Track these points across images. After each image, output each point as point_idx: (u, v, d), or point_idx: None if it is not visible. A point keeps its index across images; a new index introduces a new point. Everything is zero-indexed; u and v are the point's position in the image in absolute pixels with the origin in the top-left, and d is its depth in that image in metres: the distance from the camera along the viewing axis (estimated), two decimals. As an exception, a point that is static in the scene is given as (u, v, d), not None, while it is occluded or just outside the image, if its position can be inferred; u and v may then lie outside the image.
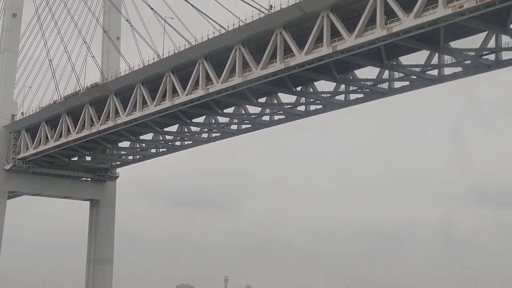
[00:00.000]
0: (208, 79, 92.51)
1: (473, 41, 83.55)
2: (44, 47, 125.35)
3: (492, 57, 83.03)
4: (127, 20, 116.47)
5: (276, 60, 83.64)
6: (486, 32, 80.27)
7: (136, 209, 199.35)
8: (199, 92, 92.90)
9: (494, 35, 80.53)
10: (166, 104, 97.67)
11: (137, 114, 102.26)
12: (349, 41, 76.31)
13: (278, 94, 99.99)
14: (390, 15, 73.54)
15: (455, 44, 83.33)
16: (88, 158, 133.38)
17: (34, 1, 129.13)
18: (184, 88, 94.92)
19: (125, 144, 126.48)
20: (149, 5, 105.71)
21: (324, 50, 78.66)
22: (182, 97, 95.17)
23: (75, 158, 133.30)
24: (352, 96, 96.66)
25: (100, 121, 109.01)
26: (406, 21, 71.20)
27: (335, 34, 78.71)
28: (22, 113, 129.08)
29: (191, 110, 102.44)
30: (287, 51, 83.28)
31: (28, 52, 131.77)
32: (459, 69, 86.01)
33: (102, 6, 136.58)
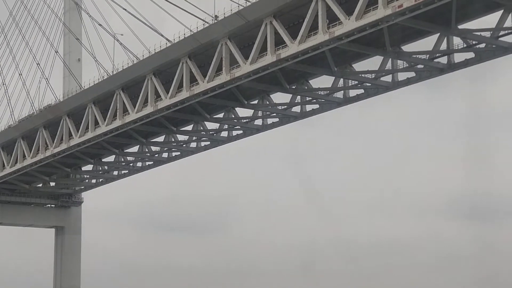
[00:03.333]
0: (157, 95, 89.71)
1: (426, 44, 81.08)
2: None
3: (444, 60, 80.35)
4: (77, 39, 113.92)
5: (222, 72, 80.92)
6: (438, 35, 77.86)
7: (110, 235, 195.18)
8: (148, 109, 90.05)
9: (445, 38, 78.04)
10: (117, 123, 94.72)
11: (89, 135, 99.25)
12: (292, 47, 73.57)
13: (236, 109, 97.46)
14: (333, 20, 70.90)
15: (408, 48, 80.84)
16: (53, 184, 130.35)
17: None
18: (134, 106, 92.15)
19: (88, 167, 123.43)
20: (97, 22, 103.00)
21: (268, 58, 75.85)
22: (132, 115, 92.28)
23: (40, 185, 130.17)
24: (308, 107, 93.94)
25: (54, 144, 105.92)
26: (348, 24, 68.50)
27: (281, 43, 76.04)
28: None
29: (144, 129, 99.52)
30: (234, 62, 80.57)
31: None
32: (412, 74, 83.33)
33: (62, 29, 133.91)
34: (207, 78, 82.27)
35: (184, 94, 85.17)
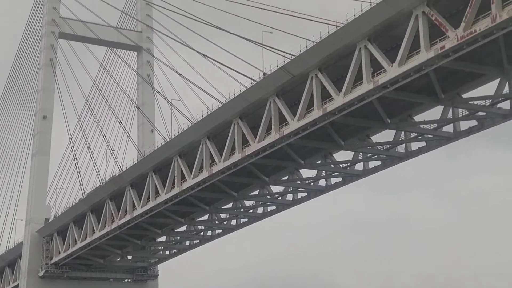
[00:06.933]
0: (212, 159, 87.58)
1: (489, 89, 75.84)
2: (71, 147, 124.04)
3: (507, 105, 74.74)
4: (137, 108, 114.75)
5: (271, 131, 78.09)
6: (499, 79, 72.75)
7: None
8: (204, 174, 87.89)
9: (507, 82, 72.76)
10: (175, 190, 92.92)
11: (150, 204, 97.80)
12: (338, 100, 70.09)
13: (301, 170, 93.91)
14: (379, 69, 67.23)
15: (470, 94, 75.74)
16: (129, 257, 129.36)
17: (62, 103, 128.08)
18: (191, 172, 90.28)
19: (162, 239, 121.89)
20: (155, 89, 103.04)
21: (315, 113, 72.55)
22: (189, 181, 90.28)
23: (118, 259, 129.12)
24: (371, 165, 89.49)
25: (119, 215, 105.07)
26: (391, 71, 64.63)
27: (328, 96, 72.73)
28: (54, 216, 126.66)
29: (205, 195, 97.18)
30: (284, 120, 77.64)
31: (60, 153, 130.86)
32: (474, 123, 77.92)
33: (136, 99, 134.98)
34: (257, 138, 79.61)
35: (236, 157, 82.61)
